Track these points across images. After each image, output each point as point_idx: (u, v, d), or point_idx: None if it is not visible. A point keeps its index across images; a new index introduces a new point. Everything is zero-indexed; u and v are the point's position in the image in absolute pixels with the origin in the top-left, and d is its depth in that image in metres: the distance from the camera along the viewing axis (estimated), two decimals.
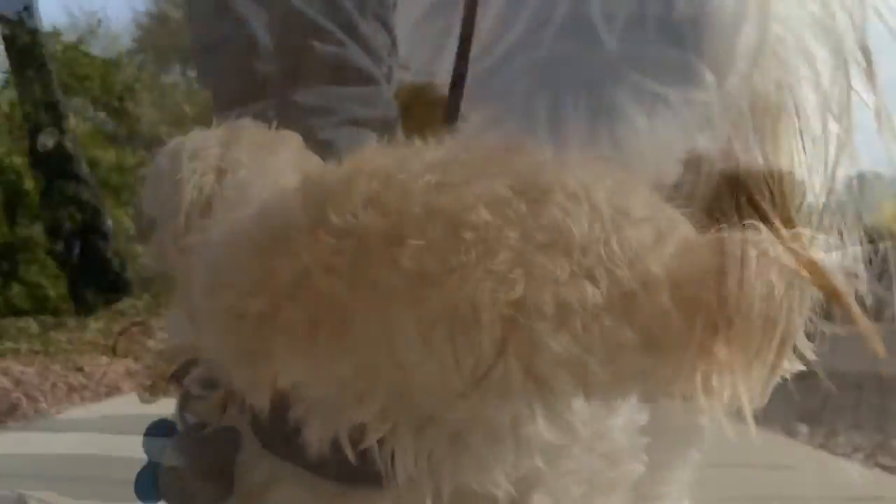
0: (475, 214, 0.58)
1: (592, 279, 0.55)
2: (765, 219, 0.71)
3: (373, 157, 0.72)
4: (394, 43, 1.70)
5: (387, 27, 1.57)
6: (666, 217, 0.59)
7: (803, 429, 2.66)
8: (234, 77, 1.71)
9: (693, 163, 0.79)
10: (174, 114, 5.54)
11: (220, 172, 1.02)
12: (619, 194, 0.58)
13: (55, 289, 4.73)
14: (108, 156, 4.86)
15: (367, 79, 1.48)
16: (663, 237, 0.56)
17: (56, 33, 5.63)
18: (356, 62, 1.47)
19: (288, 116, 1.20)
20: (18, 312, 4.79)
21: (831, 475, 2.13)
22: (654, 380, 0.56)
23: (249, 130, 1.05)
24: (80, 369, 3.07)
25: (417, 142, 0.69)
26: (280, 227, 0.62)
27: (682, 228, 0.56)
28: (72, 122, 4.82)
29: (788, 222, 0.73)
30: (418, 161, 0.66)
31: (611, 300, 0.54)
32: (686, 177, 0.69)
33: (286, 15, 1.30)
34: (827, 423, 2.58)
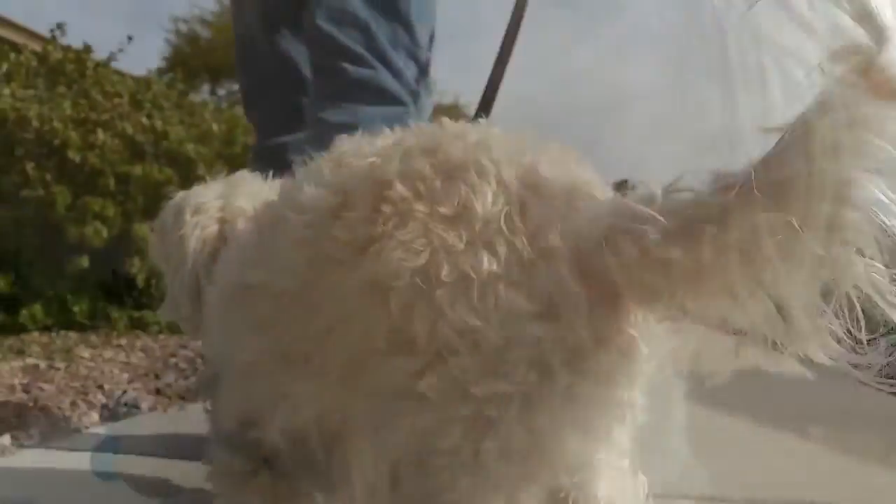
0: (393, 189, 0.72)
1: (491, 250, 0.67)
2: None
3: (340, 144, 0.86)
4: (422, 73, 1.77)
5: (417, 61, 1.69)
6: (578, 192, 0.72)
7: None
8: (281, 111, 1.77)
9: None
10: (201, 131, 5.53)
11: (223, 222, 1.11)
12: (532, 172, 0.73)
13: (78, 304, 4.71)
14: (135, 171, 4.83)
15: (393, 99, 1.63)
16: (570, 212, 0.69)
17: (87, 49, 5.67)
18: (385, 84, 1.63)
19: (321, 135, 1.25)
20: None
21: None
22: (550, 346, 0.66)
23: (247, 181, 1.22)
24: (100, 387, 3.02)
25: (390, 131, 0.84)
26: (273, 215, 0.85)
27: (591, 202, 0.70)
28: (100, 137, 4.82)
29: None
30: (371, 146, 0.79)
31: (509, 269, 0.66)
32: None
33: (325, 43, 1.39)
34: None
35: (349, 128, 1.03)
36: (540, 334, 0.66)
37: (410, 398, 0.69)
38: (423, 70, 1.90)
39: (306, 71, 2.02)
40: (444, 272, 0.67)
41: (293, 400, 0.84)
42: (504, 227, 0.68)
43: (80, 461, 2.08)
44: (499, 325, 0.66)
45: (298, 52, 2.07)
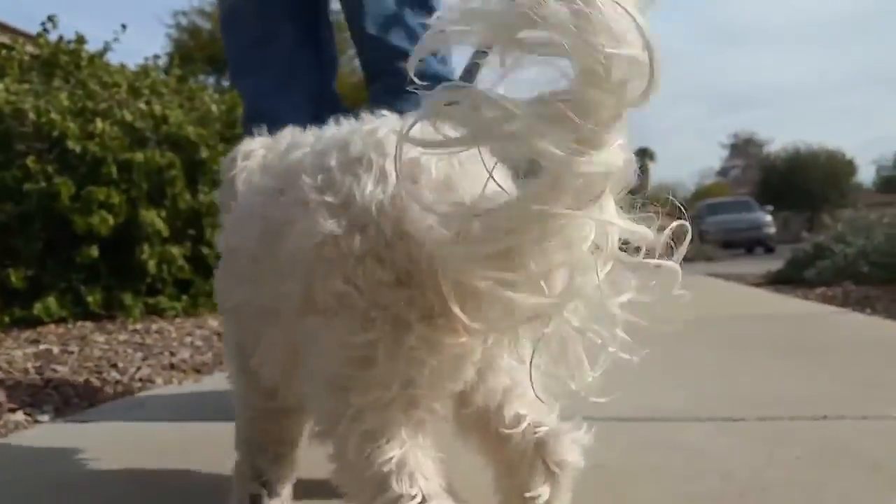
0: (300, 180, 0.94)
1: (363, 233, 0.87)
2: None
3: (286, 136, 1.25)
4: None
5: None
6: (449, 184, 0.87)
7: None
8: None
9: None
10: (201, 114, 5.50)
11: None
12: (414, 165, 0.89)
13: (91, 294, 4.72)
14: (137, 157, 4.82)
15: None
16: (432, 203, 0.83)
17: (81, 40, 5.65)
18: (436, 71, 1.91)
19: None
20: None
21: None
22: (405, 306, 0.87)
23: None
24: (114, 365, 3.02)
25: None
26: None
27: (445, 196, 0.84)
28: (99, 126, 4.81)
29: None
30: (305, 141, 1.07)
31: (376, 248, 0.86)
32: None
33: (378, 47, 1.71)
34: None
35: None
36: (397, 298, 0.87)
37: (319, 344, 0.93)
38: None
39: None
40: (327, 251, 0.88)
41: (266, 340, 1.07)
42: (375, 213, 0.87)
43: (94, 434, 2.08)
44: (367, 290, 0.87)
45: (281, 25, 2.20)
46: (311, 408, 1.03)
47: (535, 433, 1.05)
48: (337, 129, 1.05)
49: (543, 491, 1.04)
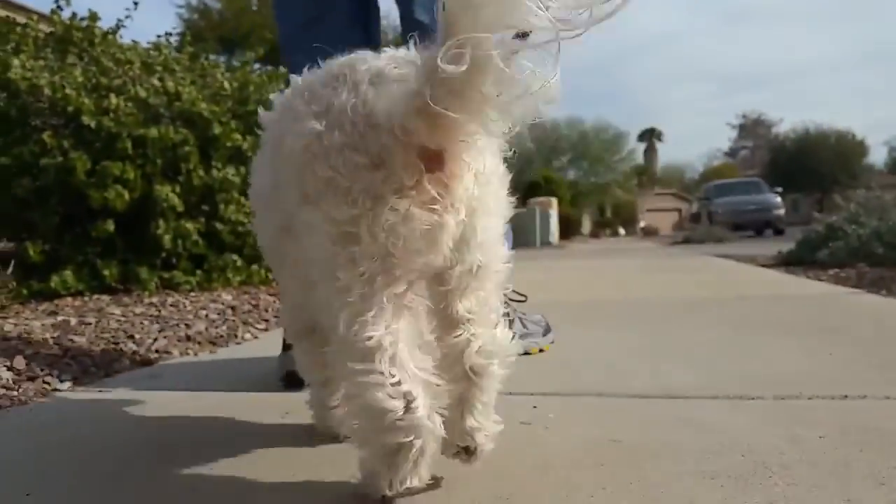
0: (294, 100, 1.21)
1: (341, 129, 1.07)
2: None
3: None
4: None
5: None
6: (405, 86, 1.00)
7: None
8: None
9: None
10: (214, 91, 5.50)
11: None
12: (378, 73, 1.12)
13: (108, 268, 4.74)
14: (151, 133, 4.83)
15: None
16: (396, 99, 1.01)
17: (94, 17, 5.65)
18: None
19: None
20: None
21: None
22: (380, 184, 1.05)
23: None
24: (130, 336, 3.05)
25: None
26: None
27: (410, 93, 0.98)
28: (114, 101, 4.81)
29: None
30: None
31: (352, 140, 1.06)
32: None
33: (426, 33, 1.56)
34: None
35: None
36: (373, 178, 1.05)
37: (312, 229, 1.11)
38: None
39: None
40: (314, 146, 1.09)
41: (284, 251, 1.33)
42: (349, 113, 1.08)
43: (112, 402, 2.11)
44: (347, 174, 1.06)
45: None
46: (315, 295, 1.16)
47: (469, 337, 1.17)
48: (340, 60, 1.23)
49: (461, 388, 1.17)
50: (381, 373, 1.04)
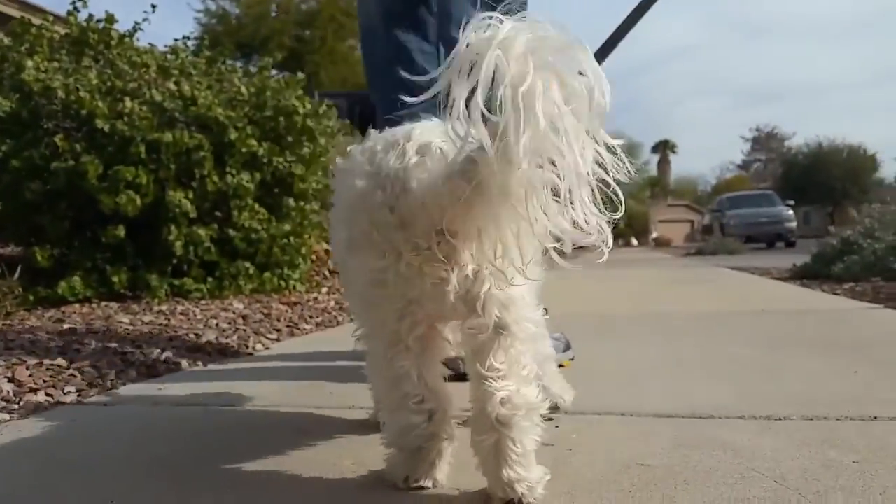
0: (358, 158, 1.38)
1: (383, 189, 1.23)
2: None
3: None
4: None
5: None
6: (446, 166, 1.15)
7: None
8: (396, 90, 1.96)
9: None
10: (230, 96, 5.47)
11: None
12: (425, 146, 1.24)
13: (117, 274, 4.71)
14: (166, 138, 4.79)
15: None
16: (434, 176, 1.17)
17: (110, 19, 5.63)
18: None
19: None
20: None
21: None
22: (402, 243, 1.20)
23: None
24: (138, 346, 2.99)
25: None
26: None
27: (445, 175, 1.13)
28: (128, 105, 4.78)
29: None
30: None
31: (389, 201, 1.21)
32: None
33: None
34: None
35: None
36: (398, 237, 1.20)
37: (356, 273, 1.33)
38: None
39: (417, 56, 2.55)
40: (361, 202, 1.26)
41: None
42: (392, 177, 1.23)
43: (116, 417, 2.05)
44: (381, 231, 1.22)
45: (409, 41, 2.59)
46: (356, 320, 1.47)
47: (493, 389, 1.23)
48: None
49: (493, 439, 1.22)
50: (408, 393, 1.29)
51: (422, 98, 1.06)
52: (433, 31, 2.61)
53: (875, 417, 1.76)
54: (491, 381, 1.22)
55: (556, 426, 1.74)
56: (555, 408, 1.76)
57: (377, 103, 2.66)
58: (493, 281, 1.21)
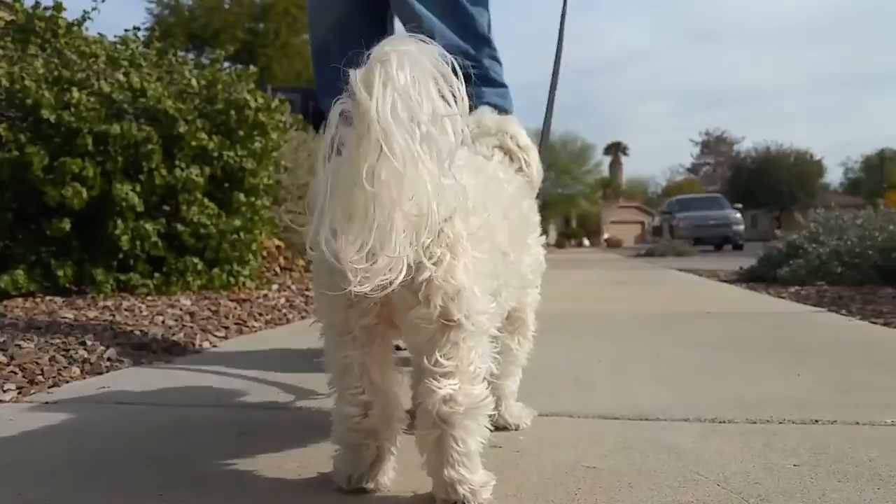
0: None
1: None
2: None
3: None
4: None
5: (499, 62, 2.79)
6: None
7: None
8: None
9: None
10: (180, 88, 5.38)
11: None
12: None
13: (62, 269, 4.60)
14: (114, 130, 4.69)
15: (499, 83, 2.78)
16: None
17: (58, 7, 5.49)
18: (500, 78, 2.79)
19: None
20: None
21: None
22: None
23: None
24: (82, 343, 2.93)
25: None
26: None
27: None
28: (75, 96, 4.67)
29: None
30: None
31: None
32: None
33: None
34: None
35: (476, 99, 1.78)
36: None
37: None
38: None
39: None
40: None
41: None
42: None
43: (57, 416, 2.00)
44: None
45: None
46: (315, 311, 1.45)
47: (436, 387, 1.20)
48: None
49: (435, 435, 1.21)
50: (350, 385, 1.28)
51: None
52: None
53: (816, 421, 1.80)
54: (435, 378, 1.19)
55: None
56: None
57: (326, 110, 2.77)
58: (433, 269, 1.17)
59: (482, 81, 2.75)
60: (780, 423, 1.80)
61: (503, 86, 2.86)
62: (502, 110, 2.34)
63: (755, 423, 1.80)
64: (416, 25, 2.66)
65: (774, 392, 2.16)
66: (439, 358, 1.20)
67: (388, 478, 1.34)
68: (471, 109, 1.19)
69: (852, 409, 1.92)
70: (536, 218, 1.85)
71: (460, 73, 1.11)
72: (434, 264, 1.18)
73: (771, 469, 1.44)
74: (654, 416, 1.87)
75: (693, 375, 2.44)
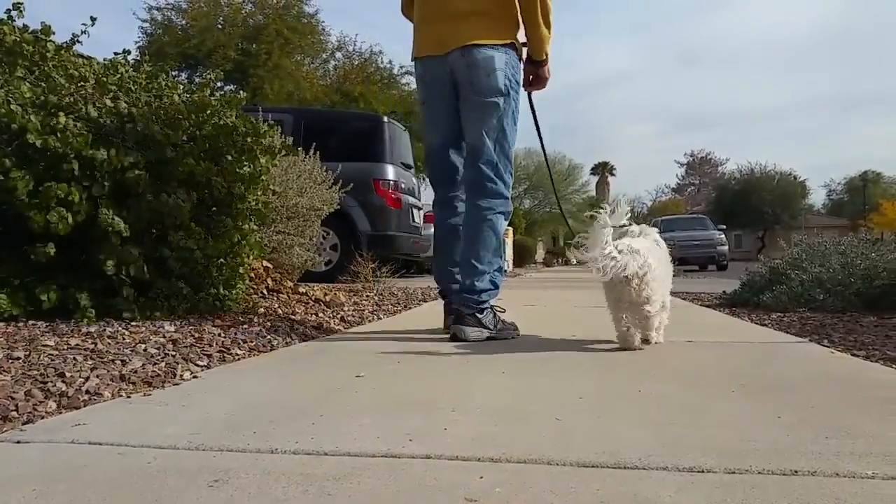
0: None
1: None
2: None
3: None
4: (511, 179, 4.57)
5: (511, 176, 4.54)
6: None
7: None
8: (450, 183, 4.83)
9: None
10: (170, 114, 5.37)
11: None
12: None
13: (46, 294, 4.57)
14: (100, 155, 4.68)
15: (503, 196, 4.49)
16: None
17: (46, 31, 5.48)
18: (501, 191, 4.49)
19: (475, 208, 4.51)
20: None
21: None
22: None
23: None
24: (60, 374, 2.91)
25: None
26: None
27: None
28: (62, 120, 4.66)
29: None
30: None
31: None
32: None
33: (481, 175, 4.51)
34: None
35: (486, 209, 4.38)
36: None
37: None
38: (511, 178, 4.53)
39: (461, 167, 4.73)
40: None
41: None
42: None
43: (27, 456, 1.97)
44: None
45: (457, 161, 4.71)
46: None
47: None
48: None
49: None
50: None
51: None
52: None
53: (796, 472, 1.81)
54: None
55: (481, 477, 1.75)
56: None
57: (434, 185, 4.84)
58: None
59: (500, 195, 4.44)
60: (760, 472, 1.80)
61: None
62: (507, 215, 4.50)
63: (734, 472, 1.81)
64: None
65: (755, 436, 2.16)
66: None
67: None
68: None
69: (832, 456, 1.93)
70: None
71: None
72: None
73: None
74: (632, 464, 1.87)
75: (672, 414, 2.44)
